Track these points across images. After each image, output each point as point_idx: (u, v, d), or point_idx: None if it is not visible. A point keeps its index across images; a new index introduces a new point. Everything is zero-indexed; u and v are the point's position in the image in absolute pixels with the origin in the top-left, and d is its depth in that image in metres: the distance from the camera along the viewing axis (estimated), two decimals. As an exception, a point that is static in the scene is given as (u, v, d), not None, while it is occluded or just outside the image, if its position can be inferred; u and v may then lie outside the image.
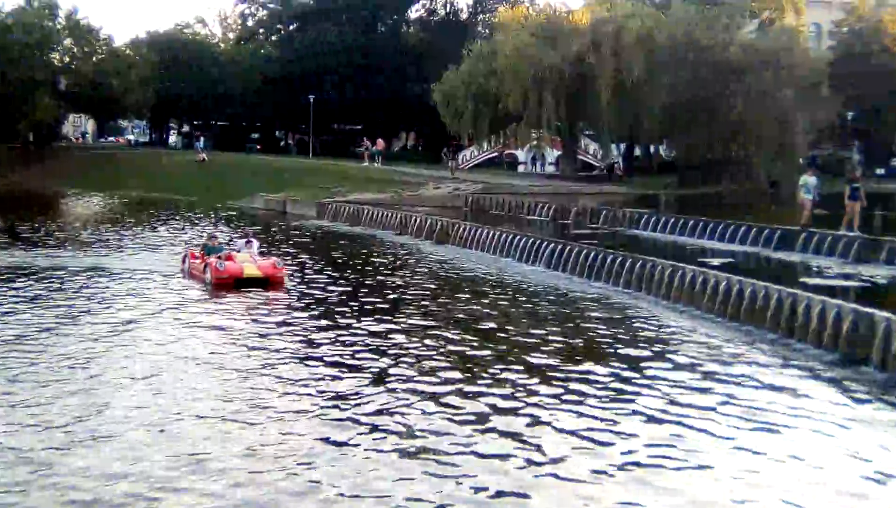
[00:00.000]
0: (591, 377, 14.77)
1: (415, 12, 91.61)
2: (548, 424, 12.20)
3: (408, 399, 13.19)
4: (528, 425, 12.15)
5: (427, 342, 17.21)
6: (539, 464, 10.75)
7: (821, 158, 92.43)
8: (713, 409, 13.07)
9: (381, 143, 73.05)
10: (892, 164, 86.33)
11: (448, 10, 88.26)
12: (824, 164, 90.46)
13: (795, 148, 64.96)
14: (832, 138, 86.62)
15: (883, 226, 33.00)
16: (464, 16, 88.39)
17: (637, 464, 10.84)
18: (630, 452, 11.19)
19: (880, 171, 72.00)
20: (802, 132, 64.81)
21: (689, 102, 62.20)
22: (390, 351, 16.37)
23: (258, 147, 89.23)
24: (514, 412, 12.72)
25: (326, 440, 11.41)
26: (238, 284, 23.21)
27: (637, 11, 60.92)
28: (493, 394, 13.57)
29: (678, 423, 12.34)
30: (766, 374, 15.30)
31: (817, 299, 17.82)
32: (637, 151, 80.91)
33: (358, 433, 11.63)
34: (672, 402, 13.39)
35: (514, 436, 11.64)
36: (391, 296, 23.05)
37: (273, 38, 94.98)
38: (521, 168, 77.83)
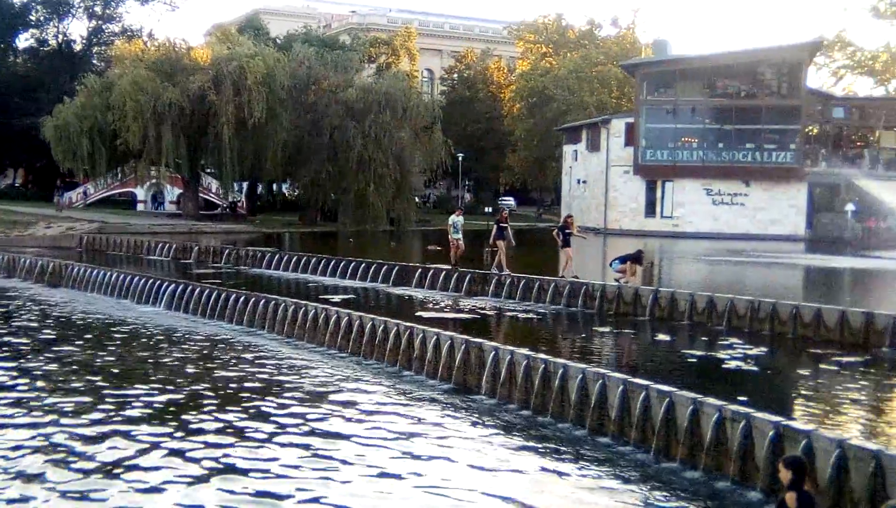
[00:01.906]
0: (218, 416, 14.46)
1: (23, 41, 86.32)
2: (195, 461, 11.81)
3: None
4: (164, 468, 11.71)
5: (41, 392, 16.11)
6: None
7: (435, 196, 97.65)
8: (340, 436, 13.21)
9: (-20, 179, 68.13)
10: (499, 202, 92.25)
11: (60, 40, 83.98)
12: (439, 202, 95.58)
13: (412, 186, 67.87)
14: (445, 178, 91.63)
15: (491, 261, 34.92)
16: (77, 47, 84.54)
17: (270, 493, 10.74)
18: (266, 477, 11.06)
19: (488, 209, 76.72)
20: (418, 171, 67.86)
21: (311, 142, 63.37)
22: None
23: None
24: (133, 463, 12.19)
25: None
26: None
27: (259, 51, 61.19)
28: (121, 441, 12.94)
29: (307, 450, 12.37)
30: (386, 405, 15.68)
31: (432, 332, 18.55)
32: (260, 190, 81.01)
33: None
34: (301, 434, 13.39)
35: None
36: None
37: None
38: (140, 206, 75.42)
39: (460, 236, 31.32)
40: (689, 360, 18.55)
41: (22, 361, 19.13)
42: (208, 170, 70.80)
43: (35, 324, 24.82)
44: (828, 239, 63.05)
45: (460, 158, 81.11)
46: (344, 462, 12.32)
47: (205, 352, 20.68)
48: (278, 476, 11.68)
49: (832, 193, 68.96)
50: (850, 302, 24.38)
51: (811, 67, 78.33)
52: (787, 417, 12.28)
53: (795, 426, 11.61)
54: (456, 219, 31.89)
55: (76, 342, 21.87)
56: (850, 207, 64.77)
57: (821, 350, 19.35)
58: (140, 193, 75.50)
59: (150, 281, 29.37)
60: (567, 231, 28.75)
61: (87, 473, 11.59)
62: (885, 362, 18.85)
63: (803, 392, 15.91)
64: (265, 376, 18.07)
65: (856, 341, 20.27)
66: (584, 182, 77.45)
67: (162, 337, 22.63)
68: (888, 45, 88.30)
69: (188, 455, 12.41)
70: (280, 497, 10.98)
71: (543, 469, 12.36)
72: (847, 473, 10.62)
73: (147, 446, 12.77)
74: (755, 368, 17.42)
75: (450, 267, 30.53)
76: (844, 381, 16.57)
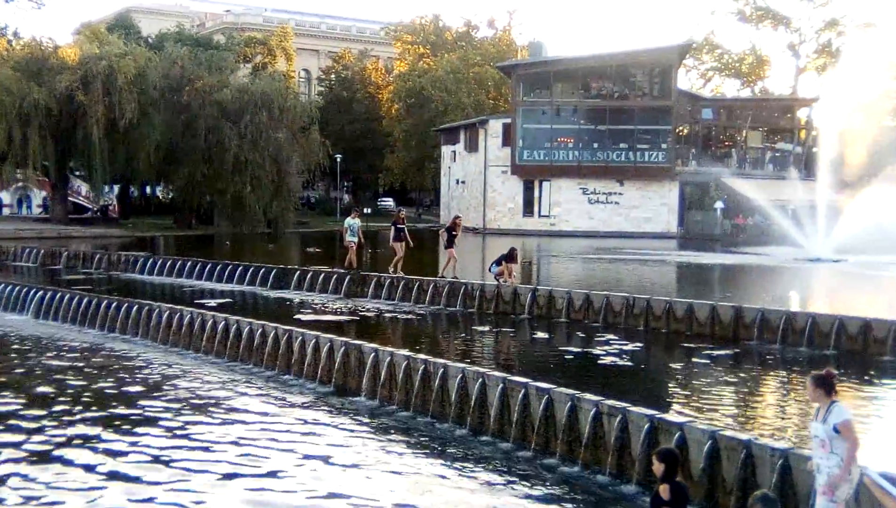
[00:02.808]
0: (99, 425, 14.04)
1: None
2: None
3: None
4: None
5: None
6: None
7: (314, 197, 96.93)
8: (221, 444, 12.97)
9: None
10: (379, 203, 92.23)
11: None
12: (318, 203, 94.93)
13: (290, 188, 67.21)
14: (324, 179, 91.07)
15: (372, 262, 34.89)
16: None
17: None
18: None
19: (367, 210, 76.69)
20: (296, 173, 67.26)
21: (185, 143, 62.21)
22: None
23: None
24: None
25: None
26: None
27: (130, 50, 59.81)
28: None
29: (189, 460, 12.10)
30: (265, 408, 15.47)
31: (311, 335, 18.38)
32: (133, 192, 79.27)
33: None
34: (183, 441, 13.10)
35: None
36: None
37: None
38: (6, 211, 72.86)
39: (356, 238, 31.00)
40: (567, 357, 18.81)
41: None
42: (78, 173, 68.89)
43: None
44: (698, 236, 64.76)
45: (339, 159, 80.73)
46: (222, 463, 12.11)
47: (75, 361, 20.05)
48: (160, 481, 11.43)
49: (702, 191, 70.80)
50: (721, 297, 25.07)
51: (681, 68, 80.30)
52: (662, 410, 12.53)
53: (669, 419, 11.86)
54: (352, 221, 31.44)
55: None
56: (719, 204, 66.62)
57: (693, 344, 19.85)
58: (5, 196, 72.99)
59: (17, 288, 28.34)
60: (453, 233, 28.94)
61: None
62: (753, 354, 19.41)
63: (677, 386, 16.28)
64: (139, 384, 17.62)
65: (726, 334, 20.86)
66: (463, 182, 77.91)
67: (29, 346, 21.89)
68: (754, 48, 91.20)
69: (54, 470, 12.03)
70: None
71: (425, 470, 12.35)
72: (719, 463, 10.90)
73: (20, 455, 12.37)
74: (630, 363, 17.75)
75: (345, 270, 30.04)
76: (716, 374, 17.02)
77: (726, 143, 79.63)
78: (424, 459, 12.84)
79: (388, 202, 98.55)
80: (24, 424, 14.21)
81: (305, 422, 14.69)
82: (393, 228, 30.24)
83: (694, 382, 16.41)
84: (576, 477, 12.22)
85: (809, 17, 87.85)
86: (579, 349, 19.46)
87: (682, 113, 72.56)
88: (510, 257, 26.73)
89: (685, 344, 20.13)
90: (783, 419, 13.87)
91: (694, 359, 18.28)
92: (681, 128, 73.84)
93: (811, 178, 60.71)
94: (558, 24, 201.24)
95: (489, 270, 27.27)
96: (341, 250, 32.67)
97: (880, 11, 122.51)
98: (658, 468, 8.72)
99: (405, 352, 16.23)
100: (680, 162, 70.87)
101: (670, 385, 16.37)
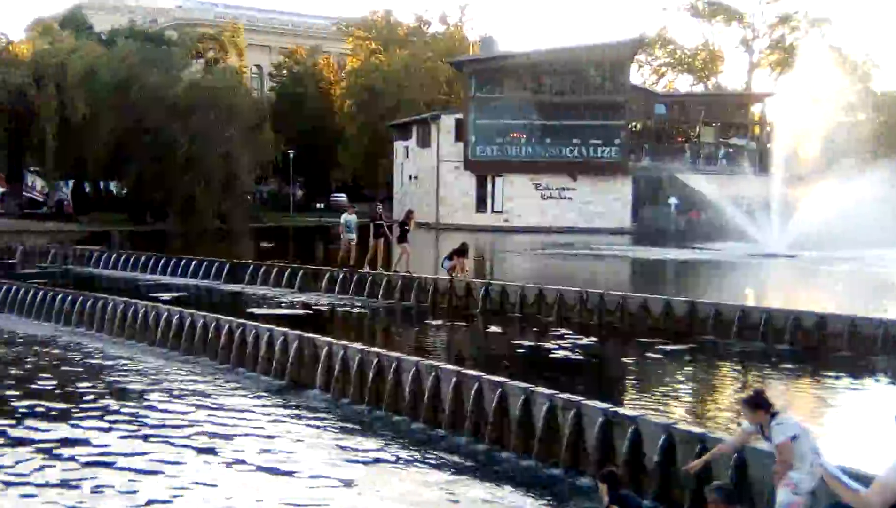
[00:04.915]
0: (50, 419, 13.84)
1: None
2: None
3: None
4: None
5: None
6: None
7: (267, 193, 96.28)
8: (173, 436, 12.87)
9: None
10: (332, 199, 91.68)
11: None
12: (271, 199, 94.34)
13: (241, 185, 66.88)
14: (276, 175, 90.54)
15: (324, 257, 34.74)
16: None
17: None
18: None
19: (320, 205, 76.45)
20: (247, 170, 66.93)
21: (137, 140, 61.72)
22: None
23: None
24: None
25: None
26: None
27: (80, 46, 59.33)
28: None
29: (136, 454, 11.98)
30: (219, 402, 15.33)
31: (264, 328, 18.25)
32: (87, 188, 78.59)
33: None
34: (144, 436, 13.06)
35: None
36: None
37: None
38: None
39: (354, 235, 29.59)
40: (520, 351, 18.82)
41: None
42: (31, 168, 68.29)
43: None
44: (652, 232, 65.10)
45: (291, 156, 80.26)
46: (176, 461, 12.01)
47: (38, 354, 19.79)
48: (114, 468, 11.31)
49: (655, 187, 71.23)
50: (674, 292, 25.22)
51: (634, 64, 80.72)
52: (616, 404, 12.55)
53: (623, 413, 11.88)
54: (349, 218, 29.92)
55: None
56: (672, 200, 67.04)
57: (647, 339, 19.87)
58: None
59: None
60: (406, 227, 28.80)
61: None
62: (708, 349, 19.50)
63: (631, 380, 16.35)
64: (94, 376, 17.42)
65: (680, 329, 20.92)
66: (416, 178, 77.84)
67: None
68: (706, 43, 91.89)
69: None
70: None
71: (379, 463, 12.29)
72: (674, 457, 10.92)
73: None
74: (584, 357, 17.80)
75: (341, 267, 28.72)
76: (670, 368, 17.11)
77: (679, 138, 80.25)
78: (379, 453, 12.77)
79: (342, 198, 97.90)
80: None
81: (259, 417, 14.59)
82: (372, 225, 29.28)
83: (648, 376, 16.48)
84: (530, 470, 12.23)
85: (763, 13, 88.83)
86: (533, 344, 19.50)
87: (636, 108, 73.00)
88: (461, 251, 26.68)
89: (639, 339, 20.19)
90: (738, 413, 13.95)
91: (648, 354, 18.35)
92: (634, 123, 74.28)
93: (765, 173, 61.32)
94: (510, 20, 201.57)
95: (441, 265, 27.22)
96: (334, 248, 32.10)
97: (833, 7, 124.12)
98: (603, 489, 8.89)
99: (359, 346, 16.16)
100: (633, 158, 71.27)
101: (625, 380, 16.44)
